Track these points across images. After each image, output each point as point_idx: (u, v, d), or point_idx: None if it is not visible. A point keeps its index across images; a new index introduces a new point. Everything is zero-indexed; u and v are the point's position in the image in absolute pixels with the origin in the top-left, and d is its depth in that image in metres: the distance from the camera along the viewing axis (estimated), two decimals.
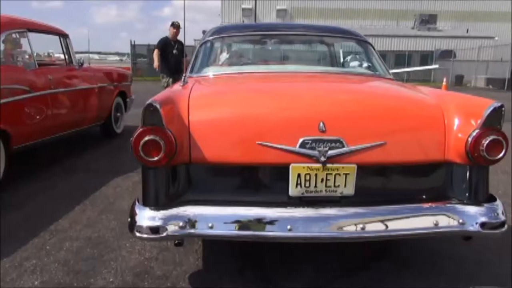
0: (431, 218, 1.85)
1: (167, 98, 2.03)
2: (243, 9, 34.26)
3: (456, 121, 1.92)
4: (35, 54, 4.16)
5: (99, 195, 3.45)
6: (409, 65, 28.17)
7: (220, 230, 1.80)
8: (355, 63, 3.19)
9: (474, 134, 1.85)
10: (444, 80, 21.63)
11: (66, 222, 2.85)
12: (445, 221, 1.85)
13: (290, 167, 1.84)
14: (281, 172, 1.86)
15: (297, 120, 1.90)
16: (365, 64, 3.09)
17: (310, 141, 1.83)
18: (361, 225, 1.81)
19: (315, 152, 1.83)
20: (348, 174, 1.86)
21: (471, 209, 1.88)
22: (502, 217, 1.88)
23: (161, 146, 1.75)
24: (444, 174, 1.97)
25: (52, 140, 4.41)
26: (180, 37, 6.60)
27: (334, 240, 1.83)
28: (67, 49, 4.73)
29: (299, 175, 1.85)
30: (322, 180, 1.86)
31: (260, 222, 1.81)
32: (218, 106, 2.01)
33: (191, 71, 2.93)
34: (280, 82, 2.54)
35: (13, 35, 3.85)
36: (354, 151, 1.85)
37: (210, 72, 2.87)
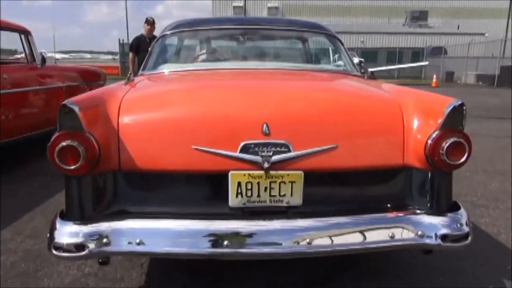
0: (386, 230, 1.66)
1: (94, 98, 1.82)
2: (234, 7, 34.02)
3: (416, 122, 1.74)
4: None
5: (52, 201, 3.23)
6: (400, 62, 28.16)
7: (149, 247, 1.60)
8: (341, 62, 3.02)
9: (433, 136, 1.66)
10: (434, 77, 21.58)
11: (8, 233, 2.63)
12: (401, 234, 1.66)
13: (229, 174, 1.65)
14: (220, 180, 1.66)
15: (238, 122, 1.70)
16: (339, 62, 2.91)
17: (252, 145, 1.64)
18: (307, 240, 1.62)
19: (257, 158, 1.63)
20: (294, 182, 1.67)
21: (431, 220, 1.69)
22: (466, 228, 1.70)
23: (80, 152, 1.55)
24: (403, 180, 1.78)
25: (16, 142, 4.19)
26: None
27: (275, 257, 1.64)
28: (28, 47, 4.50)
29: (239, 184, 1.66)
30: (265, 188, 1.67)
31: (193, 238, 1.61)
32: (152, 107, 1.80)
33: (143, 68, 2.73)
34: (233, 80, 2.33)
35: None
36: (301, 156, 1.66)
37: (165, 69, 2.66)
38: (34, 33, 4.66)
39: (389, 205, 1.76)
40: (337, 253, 1.66)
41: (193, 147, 1.65)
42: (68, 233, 1.61)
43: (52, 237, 1.62)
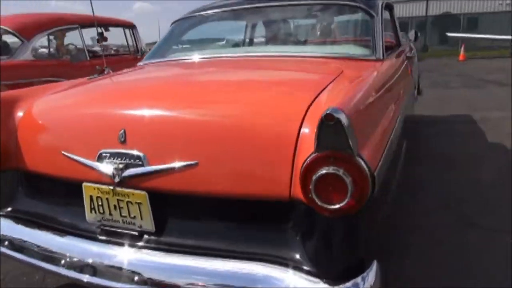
0: None
1: (9, 96, 1.85)
2: None
3: (307, 137, 1.18)
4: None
5: None
6: None
7: (9, 251, 1.57)
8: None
9: (306, 162, 1.10)
10: None
11: None
12: None
13: (83, 186, 1.47)
14: (79, 191, 1.50)
15: (100, 126, 1.49)
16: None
17: (108, 155, 1.41)
18: (137, 277, 1.31)
19: (109, 170, 1.39)
20: (141, 203, 1.37)
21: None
22: None
23: None
24: (285, 220, 1.24)
25: None
26: None
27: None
28: (132, 39, 5.03)
29: (91, 198, 1.46)
30: (115, 207, 1.42)
31: (41, 250, 1.50)
32: (46, 109, 1.72)
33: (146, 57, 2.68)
34: (145, 78, 2.05)
35: (60, 32, 4.25)
36: (151, 173, 1.34)
37: (147, 61, 2.55)
38: None
39: (258, 254, 1.25)
40: None
41: (62, 152, 1.53)
42: None
43: None
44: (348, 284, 1.11)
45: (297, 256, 1.20)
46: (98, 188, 1.43)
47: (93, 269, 1.40)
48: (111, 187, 1.40)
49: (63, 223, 1.58)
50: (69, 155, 1.49)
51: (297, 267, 1.19)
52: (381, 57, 2.10)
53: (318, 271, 1.16)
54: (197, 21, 2.71)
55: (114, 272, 1.37)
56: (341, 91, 1.38)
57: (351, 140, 1.03)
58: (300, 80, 1.77)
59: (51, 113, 1.69)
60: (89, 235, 1.49)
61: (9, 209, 1.71)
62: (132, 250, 1.39)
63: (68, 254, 1.45)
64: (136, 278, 1.32)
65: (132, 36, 5.03)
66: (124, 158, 1.38)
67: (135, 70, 2.31)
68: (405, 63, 2.84)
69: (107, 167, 1.39)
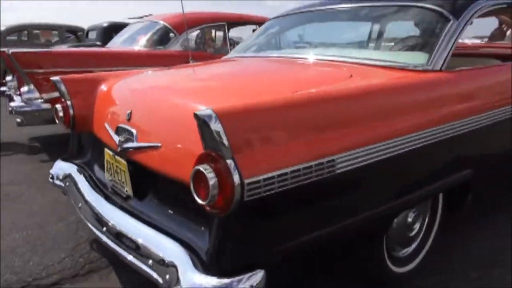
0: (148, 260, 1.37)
1: (89, 77, 2.37)
2: None
3: None
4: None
5: None
6: None
7: (67, 188, 2.09)
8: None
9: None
10: None
11: None
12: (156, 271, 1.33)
13: (104, 151, 1.86)
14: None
15: (122, 106, 1.86)
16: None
17: (120, 128, 1.77)
18: (112, 231, 1.60)
19: (117, 140, 1.74)
20: (124, 171, 1.67)
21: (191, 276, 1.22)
22: None
23: (58, 113, 2.21)
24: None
25: None
26: None
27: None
28: None
29: (107, 161, 1.85)
30: (116, 171, 1.77)
31: (79, 192, 1.95)
32: (110, 88, 2.16)
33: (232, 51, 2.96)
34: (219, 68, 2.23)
35: (207, 28, 4.89)
36: (133, 148, 1.63)
37: (231, 55, 2.81)
38: None
39: (187, 237, 1.38)
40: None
41: (104, 123, 1.96)
42: (54, 166, 2.32)
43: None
44: (219, 282, 1.16)
45: (197, 244, 1.30)
46: (109, 154, 1.80)
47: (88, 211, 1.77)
48: (114, 155, 1.75)
49: (98, 179, 2.02)
50: (105, 125, 1.91)
51: (195, 255, 1.28)
52: (438, 68, 1.82)
53: (207, 262, 1.24)
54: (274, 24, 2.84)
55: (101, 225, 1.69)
56: (278, 97, 1.37)
57: (220, 142, 1.08)
58: (277, 86, 1.75)
59: (109, 92, 2.14)
60: (104, 189, 1.89)
61: (79, 161, 2.26)
62: (111, 206, 1.71)
63: (86, 199, 1.87)
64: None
65: None
66: (126, 133, 1.70)
67: (200, 64, 2.64)
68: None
69: (116, 138, 1.74)
